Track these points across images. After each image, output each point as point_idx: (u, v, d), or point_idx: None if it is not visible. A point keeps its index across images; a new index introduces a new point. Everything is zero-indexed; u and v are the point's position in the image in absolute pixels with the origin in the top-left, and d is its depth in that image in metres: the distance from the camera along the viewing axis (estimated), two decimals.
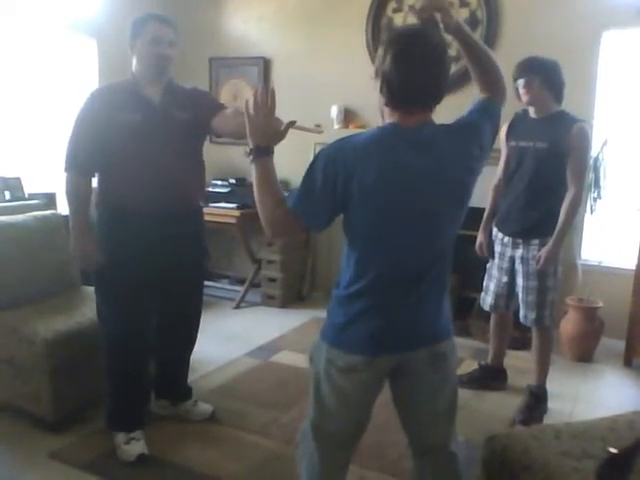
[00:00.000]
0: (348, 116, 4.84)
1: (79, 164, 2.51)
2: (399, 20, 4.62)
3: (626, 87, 4.02)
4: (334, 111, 4.79)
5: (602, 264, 4.16)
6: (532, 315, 3.07)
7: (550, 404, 3.19)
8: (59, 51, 4.52)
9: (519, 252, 3.06)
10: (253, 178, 1.65)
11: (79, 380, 2.89)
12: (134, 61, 2.60)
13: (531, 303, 3.05)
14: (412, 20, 4.66)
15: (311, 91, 4.96)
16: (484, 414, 3.13)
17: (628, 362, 3.81)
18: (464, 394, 3.35)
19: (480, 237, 3.34)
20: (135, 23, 2.56)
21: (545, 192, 2.97)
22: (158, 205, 2.57)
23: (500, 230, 3.19)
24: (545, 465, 1.70)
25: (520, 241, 3.06)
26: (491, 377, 3.47)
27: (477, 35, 4.37)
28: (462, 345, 4.08)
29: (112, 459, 2.62)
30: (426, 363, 1.66)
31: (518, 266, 3.08)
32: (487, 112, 1.77)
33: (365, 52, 4.72)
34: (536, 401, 3.15)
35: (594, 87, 4.05)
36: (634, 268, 3.76)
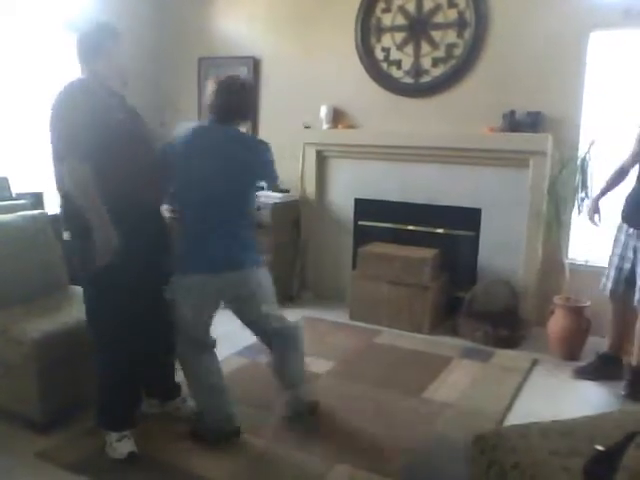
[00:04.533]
0: (337, 116, 4.85)
1: (81, 150, 2.37)
2: (388, 20, 4.64)
3: (613, 88, 4.05)
4: (323, 111, 4.80)
5: (589, 263, 4.19)
6: None
7: (538, 403, 3.21)
8: (49, 50, 4.48)
9: None
10: None
11: (66, 380, 2.87)
12: (102, 62, 2.56)
13: None
14: (401, 20, 4.70)
15: (300, 91, 4.96)
16: (473, 413, 3.14)
17: None
18: (452, 394, 3.37)
19: (591, 204, 3.64)
20: (110, 27, 2.60)
21: None
22: (147, 204, 2.62)
23: (626, 222, 3.40)
24: (533, 463, 1.71)
25: None
26: (610, 366, 3.55)
27: (465, 36, 4.39)
28: (450, 344, 4.11)
29: (100, 459, 2.61)
30: None
31: (639, 255, 3.30)
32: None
33: (354, 52, 4.72)
34: (637, 377, 3.32)
35: (582, 88, 4.08)
36: None
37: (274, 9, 5.02)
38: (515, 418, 3.09)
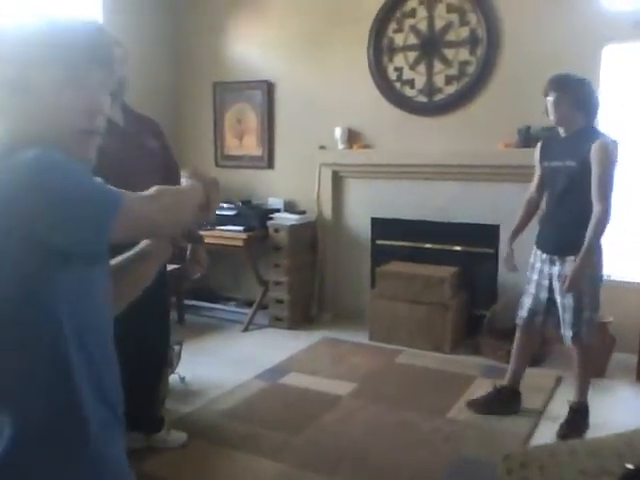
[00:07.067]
0: (352, 137, 4.87)
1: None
2: (400, 40, 4.66)
3: (628, 100, 4.03)
4: (338, 132, 4.81)
5: (611, 278, 4.13)
6: (569, 333, 3.05)
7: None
8: None
9: (556, 269, 3.07)
10: None
11: None
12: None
13: (568, 321, 3.05)
14: (413, 40, 4.72)
15: (315, 113, 4.99)
16: (498, 433, 3.10)
17: None
18: (477, 413, 3.33)
19: (506, 249, 3.36)
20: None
21: (578, 209, 2.97)
22: None
23: (538, 247, 3.21)
24: None
25: (556, 258, 3.07)
26: (506, 400, 3.36)
27: (478, 53, 4.40)
28: (472, 363, 4.07)
29: None
30: None
31: (555, 283, 3.09)
32: None
33: (367, 73, 4.75)
34: (575, 417, 3.12)
35: None
36: None
37: (286, 33, 5.08)
38: (541, 437, 3.05)
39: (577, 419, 3.12)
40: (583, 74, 4.01)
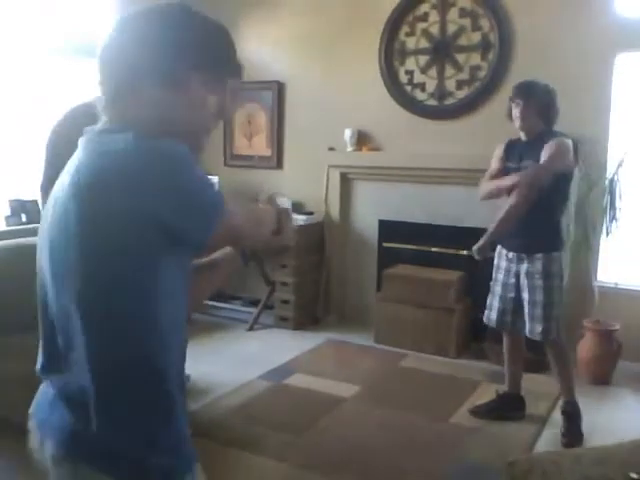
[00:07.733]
0: (361, 139, 4.87)
1: None
2: (412, 44, 4.66)
3: None
4: (347, 134, 4.82)
5: (618, 286, 4.12)
6: (539, 328, 3.07)
7: None
8: (71, 75, 4.50)
9: (524, 266, 3.09)
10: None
11: None
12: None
13: (538, 317, 3.06)
14: (425, 44, 4.70)
15: (325, 114, 4.99)
16: (502, 439, 3.09)
17: None
18: (481, 419, 3.32)
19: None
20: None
21: (541, 208, 2.99)
22: None
23: (504, 247, 3.21)
24: None
25: (524, 256, 3.09)
26: (509, 406, 3.36)
27: (489, 58, 4.39)
28: (477, 368, 4.06)
29: None
30: None
31: (523, 280, 3.11)
32: None
33: (378, 76, 4.75)
34: (570, 418, 3.11)
35: (608, 109, 4.05)
36: None
37: (298, 34, 5.08)
38: (545, 444, 3.04)
39: (572, 425, 3.10)
40: (596, 81, 4.03)
